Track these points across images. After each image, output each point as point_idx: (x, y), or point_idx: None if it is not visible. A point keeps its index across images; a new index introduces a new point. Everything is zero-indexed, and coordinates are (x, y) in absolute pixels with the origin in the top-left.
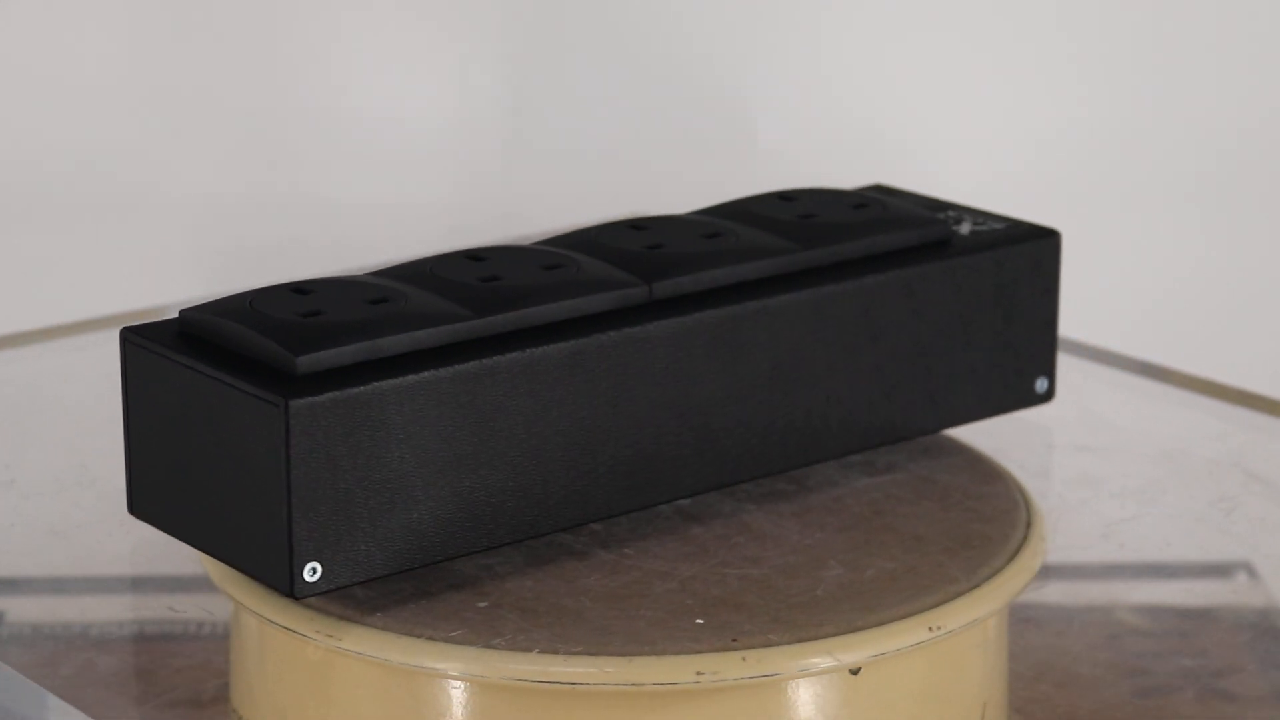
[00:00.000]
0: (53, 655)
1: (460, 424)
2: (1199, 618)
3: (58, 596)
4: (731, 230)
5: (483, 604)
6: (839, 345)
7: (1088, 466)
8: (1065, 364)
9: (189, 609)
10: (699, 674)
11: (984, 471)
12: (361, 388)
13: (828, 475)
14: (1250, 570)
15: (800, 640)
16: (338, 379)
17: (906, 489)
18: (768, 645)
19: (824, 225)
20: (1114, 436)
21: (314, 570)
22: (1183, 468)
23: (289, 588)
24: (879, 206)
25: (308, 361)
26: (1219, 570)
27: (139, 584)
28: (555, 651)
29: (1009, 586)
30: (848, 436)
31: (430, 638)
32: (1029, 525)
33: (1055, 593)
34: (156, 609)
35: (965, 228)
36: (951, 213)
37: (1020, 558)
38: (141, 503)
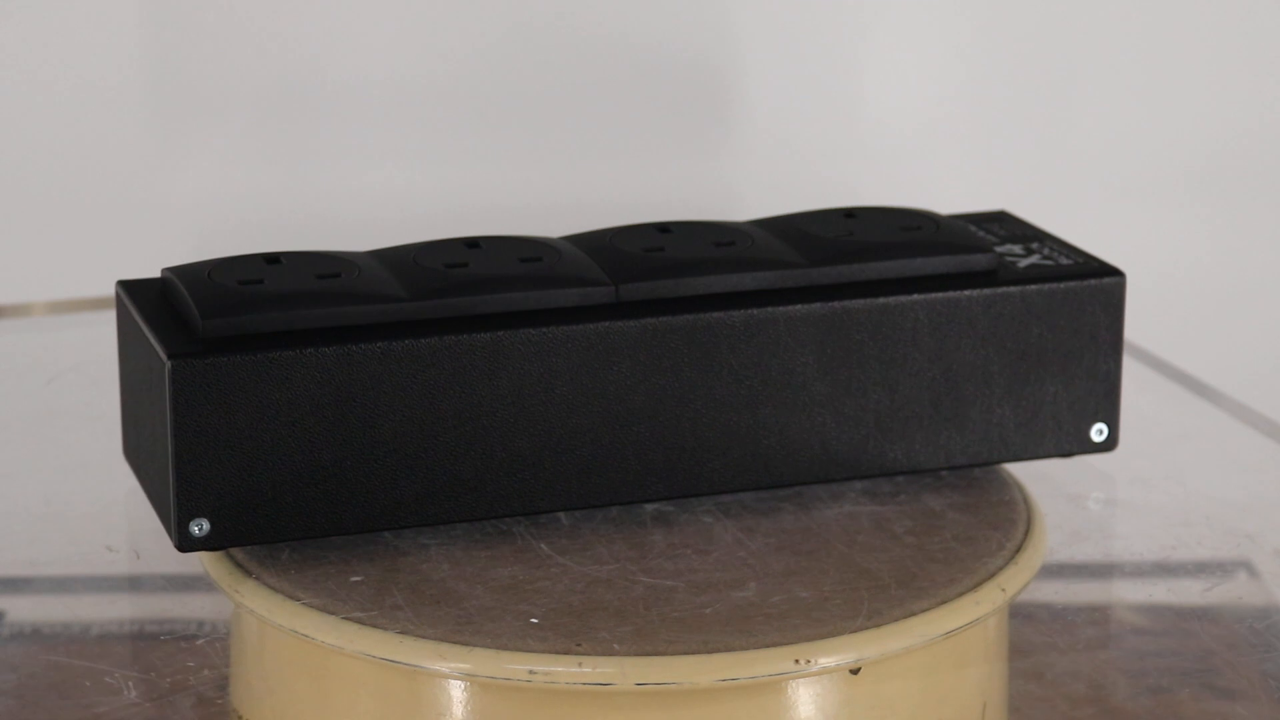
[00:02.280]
0: (53, 655)
1: (367, 402)
2: (1199, 617)
3: (58, 596)
4: (750, 240)
5: (357, 579)
6: (834, 366)
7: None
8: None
9: (189, 609)
10: (532, 672)
11: (998, 516)
12: (247, 355)
13: (829, 499)
14: (1250, 569)
15: (642, 654)
16: (238, 345)
17: (900, 521)
18: (607, 654)
19: (850, 245)
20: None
21: (200, 526)
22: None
23: (175, 540)
24: (930, 230)
25: (212, 326)
26: (1219, 569)
27: (139, 584)
28: (408, 633)
29: (907, 633)
30: (844, 460)
31: (296, 598)
32: (991, 576)
33: (1055, 592)
34: (156, 609)
35: (1027, 261)
36: (1035, 245)
37: (943, 609)
38: (126, 447)
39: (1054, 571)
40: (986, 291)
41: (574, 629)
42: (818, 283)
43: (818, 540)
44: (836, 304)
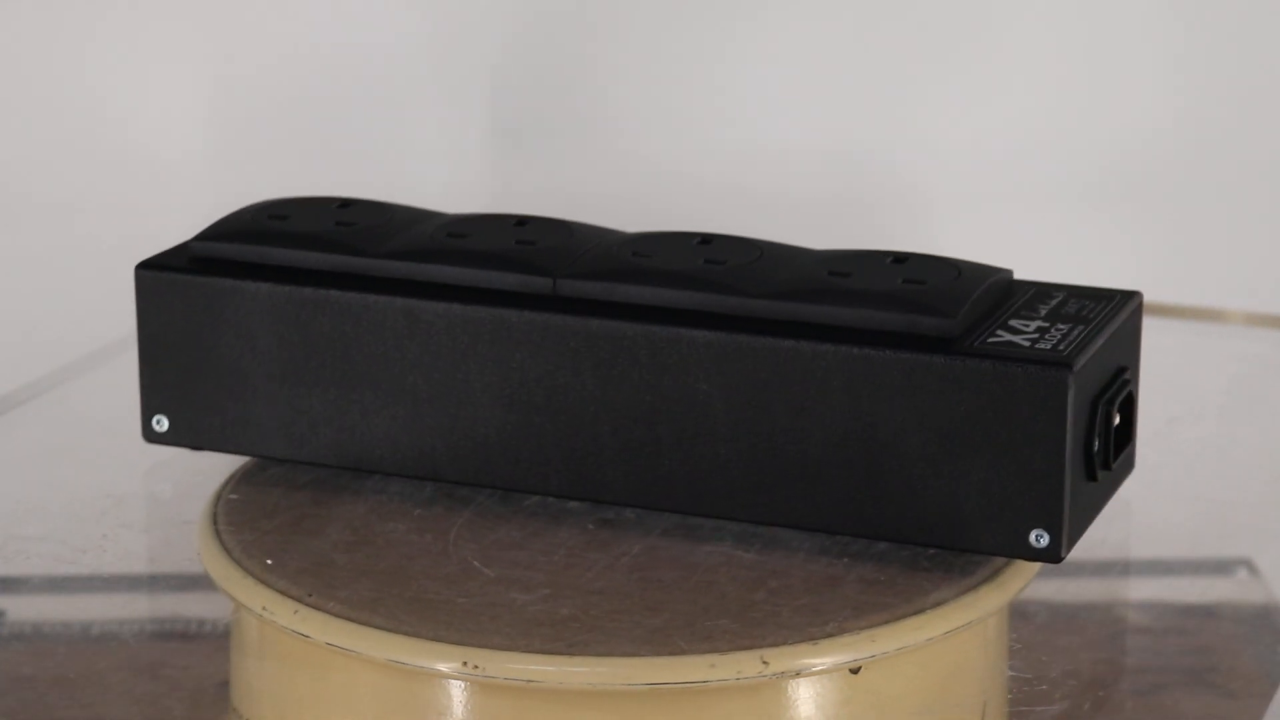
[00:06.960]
0: (53, 655)
1: (296, 341)
2: (1199, 615)
3: (58, 596)
4: (750, 261)
5: (229, 515)
6: (739, 400)
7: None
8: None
9: (189, 609)
10: (264, 609)
11: (882, 604)
12: (201, 277)
13: (778, 544)
14: (1251, 567)
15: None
16: (203, 267)
17: (783, 579)
18: (361, 624)
19: (816, 285)
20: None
21: (160, 421)
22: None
23: (142, 432)
24: (936, 284)
25: (200, 248)
26: (1219, 567)
27: (140, 584)
28: (255, 577)
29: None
30: (745, 502)
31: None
32: (759, 647)
33: (1055, 591)
34: (158, 609)
35: (1006, 338)
36: (1058, 328)
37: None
38: None
39: (1054, 568)
40: (902, 354)
41: (333, 587)
42: (747, 314)
43: (687, 574)
44: (740, 336)
